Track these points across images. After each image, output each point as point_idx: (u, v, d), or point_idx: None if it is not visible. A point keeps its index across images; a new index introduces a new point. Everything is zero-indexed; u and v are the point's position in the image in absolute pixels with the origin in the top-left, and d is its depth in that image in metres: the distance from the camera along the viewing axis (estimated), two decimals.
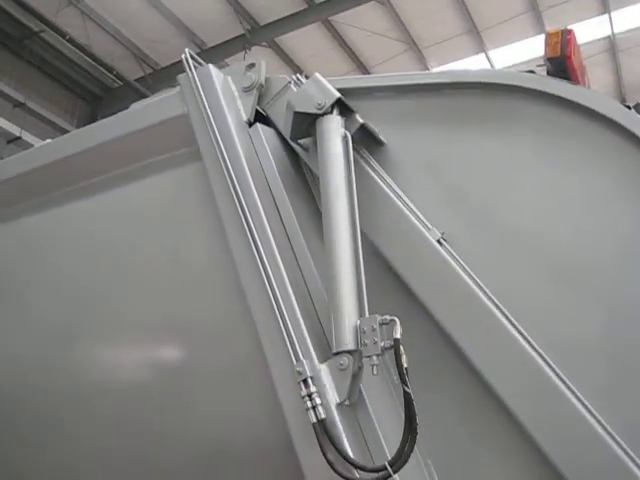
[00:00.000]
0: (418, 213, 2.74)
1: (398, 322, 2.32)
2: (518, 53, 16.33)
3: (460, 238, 2.68)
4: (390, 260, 2.73)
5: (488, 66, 16.75)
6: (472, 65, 16.35)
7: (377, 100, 3.05)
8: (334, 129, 2.77)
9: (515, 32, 16.07)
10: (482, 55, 16.82)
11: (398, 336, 2.30)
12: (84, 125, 4.49)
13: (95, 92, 17.08)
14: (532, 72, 2.81)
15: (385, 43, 16.01)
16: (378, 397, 2.49)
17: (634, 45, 16.47)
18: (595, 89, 3.04)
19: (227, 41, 15.95)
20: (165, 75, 15.67)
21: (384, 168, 2.90)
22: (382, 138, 2.93)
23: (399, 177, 2.87)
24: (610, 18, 15.66)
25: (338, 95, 2.80)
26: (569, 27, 2.86)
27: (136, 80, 16.40)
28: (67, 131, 13.39)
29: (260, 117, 3.20)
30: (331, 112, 2.80)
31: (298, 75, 3.25)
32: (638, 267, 2.44)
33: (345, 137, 2.76)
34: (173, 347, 3.22)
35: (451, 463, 2.54)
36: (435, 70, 16.68)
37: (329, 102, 2.79)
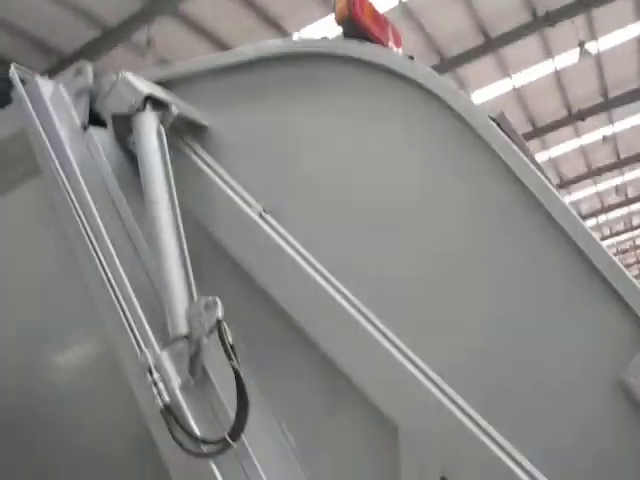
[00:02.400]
0: (240, 190, 2.88)
1: (219, 302, 2.49)
2: None
3: (283, 209, 2.83)
4: (220, 241, 2.87)
5: None
6: None
7: (197, 85, 3.17)
8: (148, 125, 2.88)
9: None
10: None
11: (219, 316, 2.47)
12: None
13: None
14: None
15: None
16: (224, 373, 2.62)
17: None
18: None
19: (129, 17, 15.68)
20: (72, 62, 15.29)
21: (209, 150, 3.04)
22: (204, 122, 3.06)
23: (223, 157, 3.01)
24: None
25: (146, 92, 2.91)
26: None
27: (45, 72, 16.08)
28: None
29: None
30: (144, 109, 2.90)
31: (123, 71, 3.31)
32: (436, 208, 2.63)
33: (159, 131, 2.87)
34: (39, 354, 3.34)
35: (306, 421, 2.73)
36: None
37: (139, 101, 2.90)
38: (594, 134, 25.79)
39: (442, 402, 2.39)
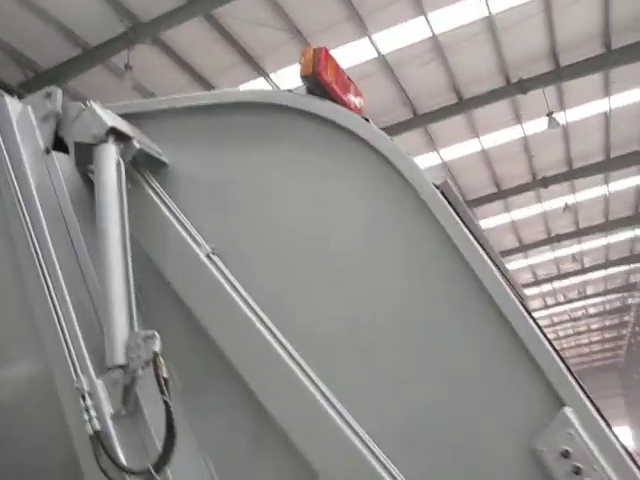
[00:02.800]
0: (191, 230, 2.96)
1: (157, 336, 2.56)
2: (400, 36, 16.82)
3: (232, 250, 2.92)
4: (167, 277, 2.94)
5: (372, 50, 17.09)
6: (354, 48, 16.62)
7: (160, 122, 3.26)
8: (108, 157, 2.96)
9: (396, 15, 16.40)
10: (365, 39, 17.06)
11: (157, 349, 2.53)
12: None
13: None
14: (290, 91, 3.05)
15: (269, 33, 16.13)
16: (156, 406, 2.66)
17: (513, 23, 17.02)
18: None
19: (110, 40, 15.79)
20: (49, 78, 15.43)
21: (166, 187, 3.11)
22: (164, 159, 3.14)
23: (179, 196, 3.09)
24: None
25: (110, 125, 2.99)
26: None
27: (19, 85, 16.09)
28: None
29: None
30: (106, 140, 2.99)
31: (91, 102, 3.39)
32: (377, 260, 2.74)
33: (119, 163, 2.95)
34: None
35: (231, 460, 2.79)
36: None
37: (102, 132, 2.98)
38: (556, 202, 26.34)
39: (363, 455, 2.47)
